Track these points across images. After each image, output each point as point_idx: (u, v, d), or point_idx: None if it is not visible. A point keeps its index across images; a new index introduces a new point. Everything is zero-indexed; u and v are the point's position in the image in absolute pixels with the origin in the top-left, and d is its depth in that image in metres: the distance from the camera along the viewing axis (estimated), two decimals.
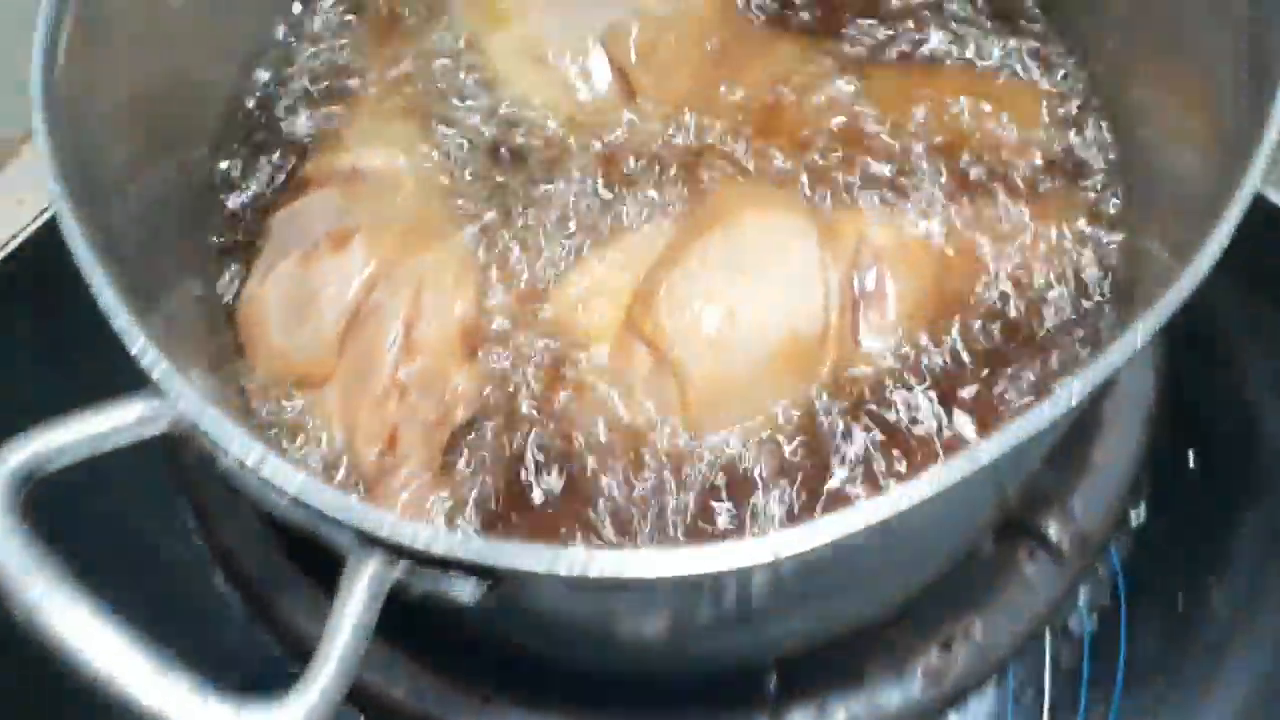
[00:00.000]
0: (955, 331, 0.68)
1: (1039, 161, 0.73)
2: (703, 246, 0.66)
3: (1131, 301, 0.68)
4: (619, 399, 0.67)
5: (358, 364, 0.64)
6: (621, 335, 0.67)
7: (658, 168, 0.72)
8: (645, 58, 0.73)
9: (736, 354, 0.65)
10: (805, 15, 0.79)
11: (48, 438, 0.47)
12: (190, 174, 0.72)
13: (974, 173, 0.72)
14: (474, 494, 0.65)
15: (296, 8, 0.80)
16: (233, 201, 0.74)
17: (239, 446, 0.45)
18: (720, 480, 0.64)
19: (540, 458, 0.65)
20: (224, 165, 0.75)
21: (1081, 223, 0.72)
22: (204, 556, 0.78)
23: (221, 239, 0.72)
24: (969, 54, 0.77)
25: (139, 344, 0.47)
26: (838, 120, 0.73)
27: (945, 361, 0.68)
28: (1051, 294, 0.69)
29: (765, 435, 0.66)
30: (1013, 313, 0.69)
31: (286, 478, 0.44)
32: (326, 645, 0.44)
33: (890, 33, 0.78)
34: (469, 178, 0.72)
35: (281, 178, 0.74)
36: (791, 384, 0.66)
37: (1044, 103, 0.75)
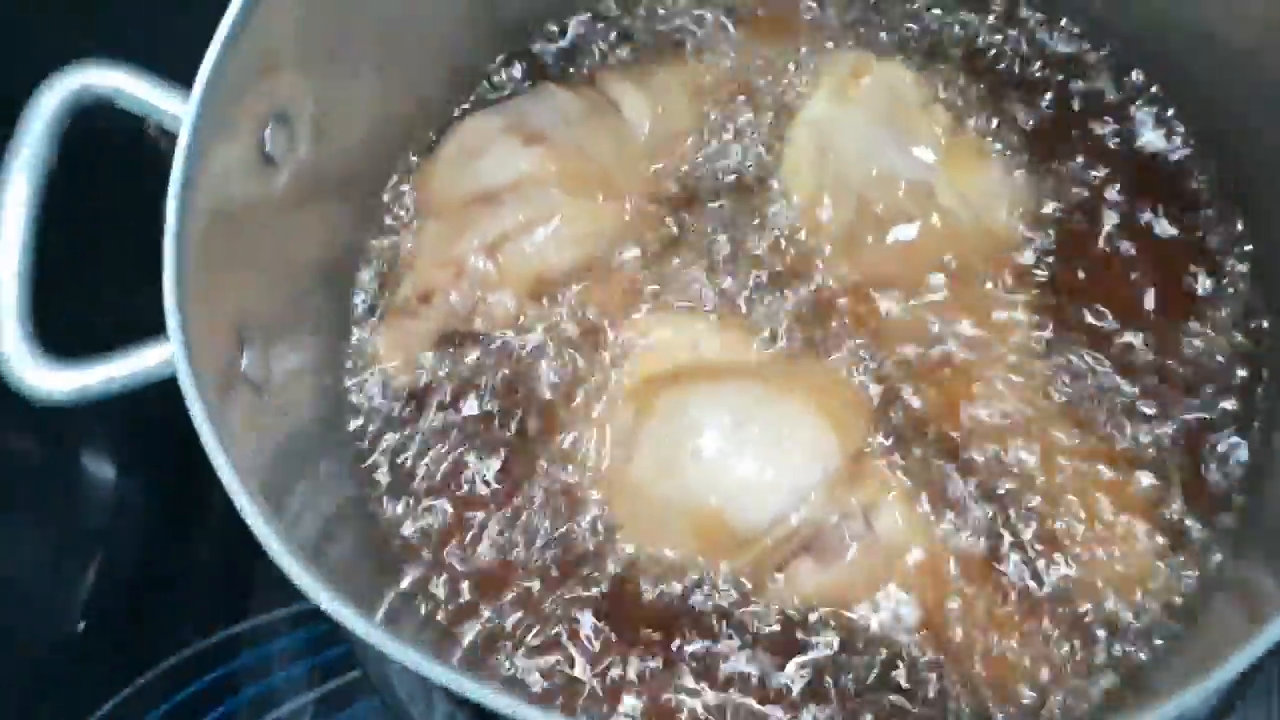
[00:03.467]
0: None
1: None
2: (746, 389, 0.67)
3: None
4: (596, 422, 0.71)
5: (456, 226, 0.72)
6: (636, 388, 0.70)
7: (817, 310, 0.72)
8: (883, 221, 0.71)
9: (671, 483, 0.66)
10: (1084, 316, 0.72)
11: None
12: None
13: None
14: (443, 373, 0.73)
15: None
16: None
17: None
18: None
19: (498, 404, 0.72)
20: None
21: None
22: None
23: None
24: None
25: None
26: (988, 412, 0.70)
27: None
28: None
29: (644, 556, 0.68)
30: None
31: None
32: None
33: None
34: (694, 179, 0.76)
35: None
36: (691, 546, 0.67)
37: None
